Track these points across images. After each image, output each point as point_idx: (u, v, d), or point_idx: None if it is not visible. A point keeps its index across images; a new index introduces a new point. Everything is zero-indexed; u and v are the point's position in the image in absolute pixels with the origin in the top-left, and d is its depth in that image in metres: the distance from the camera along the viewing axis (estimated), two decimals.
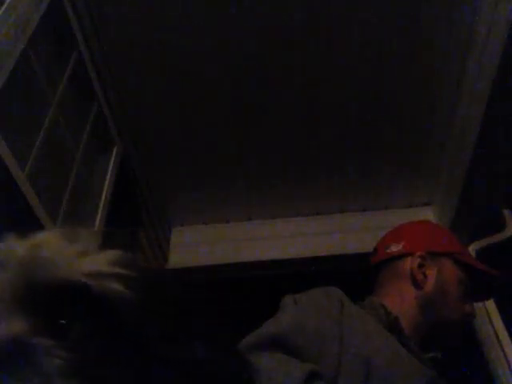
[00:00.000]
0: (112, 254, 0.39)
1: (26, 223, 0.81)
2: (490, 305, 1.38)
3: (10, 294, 0.35)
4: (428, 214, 1.64)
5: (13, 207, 0.80)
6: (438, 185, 1.58)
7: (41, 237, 0.39)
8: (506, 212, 1.48)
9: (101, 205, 1.16)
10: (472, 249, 1.47)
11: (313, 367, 0.70)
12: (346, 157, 1.52)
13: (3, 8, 0.80)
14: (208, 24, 1.21)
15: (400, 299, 0.95)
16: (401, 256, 1.01)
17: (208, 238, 1.66)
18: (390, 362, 0.80)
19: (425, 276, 0.96)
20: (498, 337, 1.35)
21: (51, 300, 0.36)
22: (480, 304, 1.36)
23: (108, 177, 1.24)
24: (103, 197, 1.18)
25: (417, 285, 0.96)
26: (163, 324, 0.39)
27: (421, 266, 0.97)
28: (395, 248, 1.02)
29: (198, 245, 1.65)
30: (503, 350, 1.32)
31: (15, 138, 0.81)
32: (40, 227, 0.84)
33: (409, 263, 0.98)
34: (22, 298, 0.35)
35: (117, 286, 0.37)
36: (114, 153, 1.31)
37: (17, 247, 0.38)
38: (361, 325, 0.84)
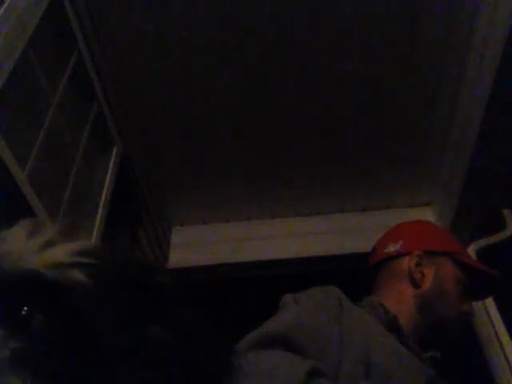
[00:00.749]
0: (74, 244, 0.40)
1: None
2: (490, 305, 1.38)
3: None
4: (428, 214, 1.64)
5: (13, 207, 0.80)
6: (437, 185, 1.58)
7: (5, 232, 0.40)
8: (506, 212, 1.48)
9: (101, 204, 1.17)
10: (472, 249, 1.47)
11: (315, 364, 0.71)
12: (346, 157, 1.52)
13: (3, 8, 0.80)
14: (208, 24, 1.21)
15: (398, 298, 0.95)
16: (398, 255, 1.01)
17: (208, 238, 1.66)
18: (390, 360, 0.81)
19: (422, 275, 0.97)
20: (498, 337, 1.35)
21: (10, 291, 0.36)
22: (480, 304, 1.36)
23: (108, 177, 1.24)
24: (103, 196, 1.18)
25: (415, 284, 0.96)
26: (118, 310, 0.38)
27: (418, 265, 0.98)
28: (393, 248, 1.03)
29: (198, 245, 1.65)
30: (503, 350, 1.32)
31: (15, 138, 0.81)
32: None
33: (406, 262, 0.99)
34: None
35: (76, 275, 0.37)
36: (114, 153, 1.31)
37: None
38: (360, 324, 0.85)
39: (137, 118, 1.39)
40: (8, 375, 0.33)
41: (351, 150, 1.50)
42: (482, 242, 1.49)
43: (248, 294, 1.48)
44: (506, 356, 1.31)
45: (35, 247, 0.39)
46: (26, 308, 0.36)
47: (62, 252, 0.39)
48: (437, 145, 1.48)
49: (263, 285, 1.48)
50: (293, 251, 1.59)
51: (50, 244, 0.39)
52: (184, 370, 0.41)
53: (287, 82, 1.33)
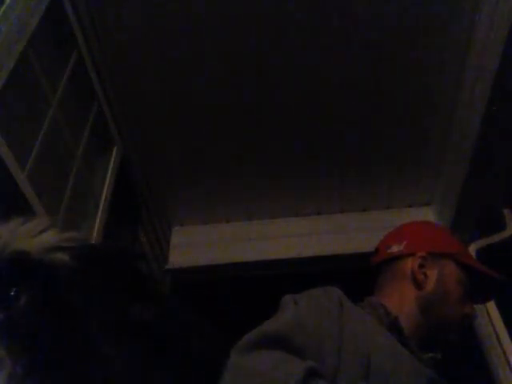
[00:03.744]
0: (61, 232, 0.44)
1: None
2: (490, 305, 1.38)
3: None
4: (428, 214, 1.64)
5: (13, 207, 0.80)
6: (437, 185, 1.58)
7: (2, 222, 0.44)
8: (506, 212, 1.48)
9: (101, 205, 1.17)
10: (472, 249, 1.47)
11: (312, 365, 0.70)
12: (346, 157, 1.52)
13: (3, 8, 0.80)
14: (208, 24, 1.21)
15: (400, 299, 0.95)
16: (402, 256, 1.01)
17: (208, 238, 1.66)
18: (390, 361, 0.80)
19: (425, 276, 0.96)
20: (498, 337, 1.35)
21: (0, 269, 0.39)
22: (480, 304, 1.36)
23: (108, 177, 1.24)
24: (103, 197, 1.18)
25: (417, 285, 0.96)
26: (99, 290, 0.42)
27: (421, 266, 0.98)
28: (396, 248, 1.02)
29: (198, 245, 1.65)
30: (503, 350, 1.32)
31: (15, 138, 0.81)
32: None
33: (410, 263, 0.98)
34: None
35: (61, 256, 0.41)
36: (114, 153, 1.31)
37: None
38: (360, 324, 0.84)
39: (137, 117, 1.39)
40: None
41: (351, 150, 1.50)
42: (482, 242, 1.49)
43: (248, 294, 1.48)
44: (506, 356, 1.32)
45: (26, 232, 0.42)
46: (14, 284, 0.39)
47: (49, 237, 0.43)
48: (437, 145, 1.48)
49: (263, 285, 1.48)
50: (293, 251, 1.59)
51: (41, 231, 0.43)
52: (162, 347, 0.42)
53: (287, 83, 1.33)
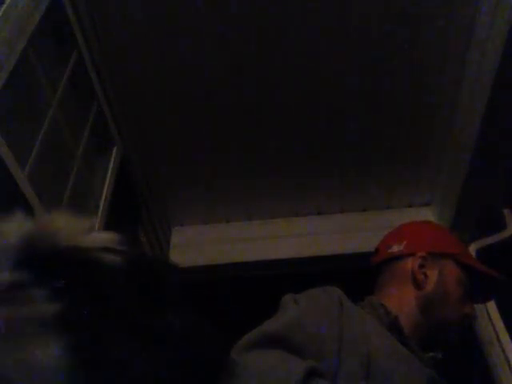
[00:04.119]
0: (114, 234, 0.47)
1: None
2: (491, 305, 1.38)
3: (15, 251, 0.40)
4: (428, 214, 1.64)
5: (13, 207, 0.80)
6: (438, 185, 1.58)
7: (52, 211, 0.47)
8: (506, 212, 1.48)
9: (101, 205, 1.17)
10: (472, 249, 1.47)
11: (313, 364, 0.71)
12: (346, 157, 1.52)
13: (3, 8, 0.80)
14: (208, 24, 1.21)
15: (400, 299, 0.95)
16: (402, 256, 1.01)
17: (208, 238, 1.66)
18: (390, 361, 0.81)
19: (425, 276, 0.96)
20: (498, 337, 1.35)
21: (60, 261, 0.41)
22: (480, 304, 1.36)
23: (108, 177, 1.24)
24: (103, 197, 1.18)
25: (417, 285, 0.96)
26: (144, 293, 0.44)
27: (422, 266, 0.98)
28: (396, 248, 1.02)
29: (197, 245, 1.65)
30: (503, 350, 1.32)
31: (15, 138, 0.81)
32: None
33: (410, 263, 0.99)
34: (28, 255, 0.40)
35: (115, 258, 0.43)
36: (114, 153, 1.31)
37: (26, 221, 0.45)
38: (360, 324, 0.84)
39: (137, 117, 1.39)
40: (47, 335, 0.36)
41: (351, 149, 1.50)
42: (482, 242, 1.49)
43: (248, 294, 1.48)
44: (506, 356, 1.32)
45: (82, 229, 0.45)
46: (70, 278, 0.40)
47: (105, 237, 0.45)
48: (437, 145, 1.48)
49: (263, 285, 1.48)
50: (293, 251, 1.59)
51: (90, 230, 0.45)
52: (186, 359, 0.44)
53: (287, 82, 1.33)
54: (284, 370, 0.69)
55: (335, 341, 0.79)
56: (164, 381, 0.40)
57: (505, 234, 1.46)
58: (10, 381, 0.34)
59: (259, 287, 1.48)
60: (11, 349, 0.35)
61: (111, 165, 1.27)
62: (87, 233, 0.45)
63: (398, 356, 0.83)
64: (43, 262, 0.40)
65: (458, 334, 0.98)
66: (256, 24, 1.21)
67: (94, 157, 1.23)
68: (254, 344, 0.76)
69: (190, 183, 1.59)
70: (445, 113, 1.40)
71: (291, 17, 1.20)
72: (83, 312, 0.38)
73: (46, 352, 0.35)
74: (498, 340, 1.34)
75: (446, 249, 1.02)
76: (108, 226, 1.16)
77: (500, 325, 1.36)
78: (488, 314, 1.38)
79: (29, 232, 0.42)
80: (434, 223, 1.46)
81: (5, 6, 0.81)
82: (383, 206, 1.66)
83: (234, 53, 1.26)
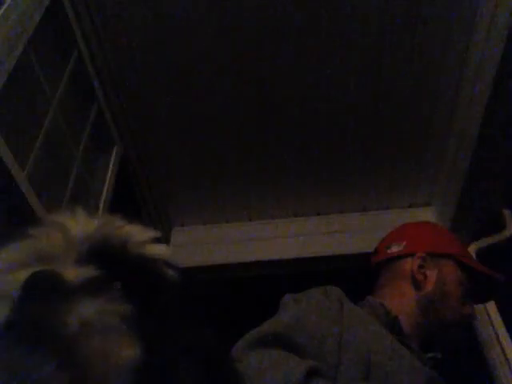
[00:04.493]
0: (167, 247, 0.48)
1: (27, 223, 0.81)
2: (490, 305, 1.38)
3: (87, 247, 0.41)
4: (428, 214, 1.64)
5: (13, 207, 0.80)
6: (437, 185, 1.58)
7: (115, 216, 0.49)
8: (506, 212, 1.48)
9: (101, 205, 1.17)
10: (472, 249, 1.47)
11: (313, 364, 0.71)
12: (346, 157, 1.52)
13: (3, 8, 0.80)
14: (208, 24, 1.21)
15: (400, 299, 0.95)
16: (402, 256, 1.01)
17: (208, 238, 1.66)
18: (390, 361, 0.81)
19: (425, 277, 0.96)
20: (498, 337, 1.35)
21: (126, 266, 0.42)
22: (480, 304, 1.36)
23: (108, 177, 1.24)
24: (103, 197, 1.18)
25: (417, 285, 0.96)
26: (190, 311, 0.47)
27: (421, 266, 0.98)
28: (396, 248, 1.03)
29: (198, 245, 1.65)
30: (503, 350, 1.32)
31: (15, 138, 0.81)
32: None
33: (409, 264, 0.99)
34: (100, 253, 0.41)
35: (172, 272, 0.45)
36: (114, 153, 1.31)
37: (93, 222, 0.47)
38: (360, 324, 0.85)
39: (137, 117, 1.39)
40: (130, 334, 0.37)
41: (351, 150, 1.50)
42: (482, 242, 1.49)
43: (248, 294, 1.48)
44: (505, 356, 1.31)
45: (148, 239, 0.47)
46: (134, 283, 0.41)
47: (166, 250, 0.47)
48: (437, 145, 1.48)
49: (263, 285, 1.48)
50: (293, 251, 1.59)
51: (152, 240, 0.47)
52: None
53: (287, 82, 1.33)
54: (285, 369, 0.70)
55: (335, 340, 0.79)
56: None
57: (505, 234, 1.46)
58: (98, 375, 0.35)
59: (259, 287, 1.48)
60: (99, 341, 0.36)
61: (111, 165, 1.27)
62: (152, 242, 0.46)
63: (397, 356, 0.83)
64: (116, 262, 0.41)
65: (458, 333, 0.99)
66: (256, 25, 1.21)
67: (94, 157, 1.23)
68: (254, 343, 0.76)
69: (190, 183, 1.59)
70: (445, 113, 1.40)
71: (291, 18, 1.20)
72: (155, 320, 0.40)
73: (128, 351, 0.36)
74: (498, 340, 1.34)
75: (446, 249, 1.02)
76: None
77: (500, 325, 1.36)
78: (488, 314, 1.38)
79: (100, 230, 0.44)
80: (434, 223, 1.46)
81: (5, 6, 0.81)
82: (383, 206, 1.66)
83: (234, 53, 1.26)
